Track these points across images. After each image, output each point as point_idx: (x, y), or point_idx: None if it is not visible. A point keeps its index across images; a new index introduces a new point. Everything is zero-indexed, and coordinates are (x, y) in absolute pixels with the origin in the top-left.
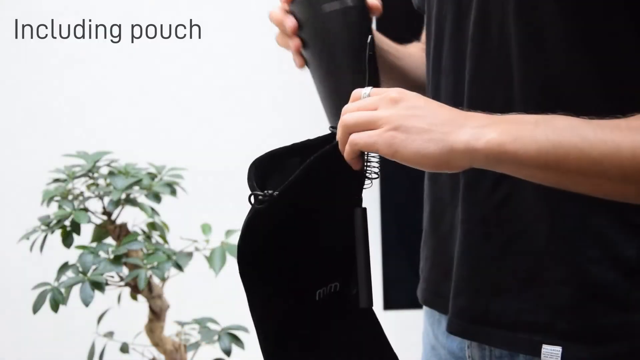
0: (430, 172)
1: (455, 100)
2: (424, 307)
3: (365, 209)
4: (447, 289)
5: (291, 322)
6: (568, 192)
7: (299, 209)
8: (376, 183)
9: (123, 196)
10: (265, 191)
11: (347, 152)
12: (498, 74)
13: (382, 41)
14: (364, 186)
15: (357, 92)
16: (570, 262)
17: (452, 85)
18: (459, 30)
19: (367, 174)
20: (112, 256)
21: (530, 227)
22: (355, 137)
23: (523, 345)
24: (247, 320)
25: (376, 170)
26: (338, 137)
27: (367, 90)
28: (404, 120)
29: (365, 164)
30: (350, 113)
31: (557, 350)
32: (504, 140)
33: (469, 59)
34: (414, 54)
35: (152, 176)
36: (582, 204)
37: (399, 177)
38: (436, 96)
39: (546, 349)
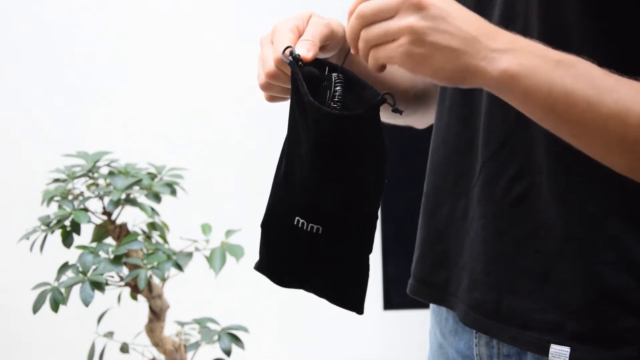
0: (432, 160)
1: (467, 91)
2: (431, 305)
3: (384, 184)
4: (437, 280)
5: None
6: (585, 194)
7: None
8: None
9: (123, 196)
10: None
11: (370, 65)
12: None
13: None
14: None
15: None
16: (583, 263)
17: None
18: None
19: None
20: (112, 256)
21: (544, 227)
22: (375, 54)
23: (532, 343)
24: (247, 320)
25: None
26: (361, 46)
27: None
28: (425, 34)
29: None
30: (368, 29)
31: (565, 350)
32: (520, 74)
33: None
34: None
35: (152, 176)
36: (598, 206)
37: (399, 177)
38: (444, 89)
39: (554, 348)
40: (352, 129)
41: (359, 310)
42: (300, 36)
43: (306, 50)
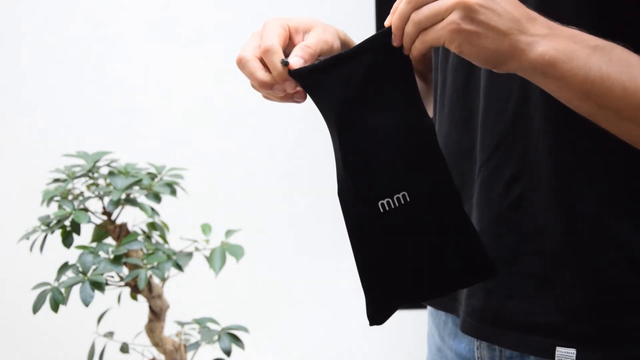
0: None
1: (465, 95)
2: (429, 308)
3: (431, 124)
4: None
5: (364, 236)
6: (584, 193)
7: (343, 99)
8: None
9: (123, 196)
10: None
11: (416, 48)
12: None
13: None
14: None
15: None
16: (585, 264)
17: (461, 80)
18: None
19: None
20: (112, 256)
21: (544, 229)
22: (423, 36)
23: (536, 347)
24: (247, 320)
25: None
26: (409, 30)
27: None
28: (476, 12)
29: None
30: (419, 11)
31: (572, 352)
32: (557, 58)
33: None
34: None
35: (152, 176)
36: (599, 205)
37: None
38: (443, 91)
39: (560, 351)
40: (371, 63)
41: (494, 271)
42: (288, 35)
43: (296, 59)
